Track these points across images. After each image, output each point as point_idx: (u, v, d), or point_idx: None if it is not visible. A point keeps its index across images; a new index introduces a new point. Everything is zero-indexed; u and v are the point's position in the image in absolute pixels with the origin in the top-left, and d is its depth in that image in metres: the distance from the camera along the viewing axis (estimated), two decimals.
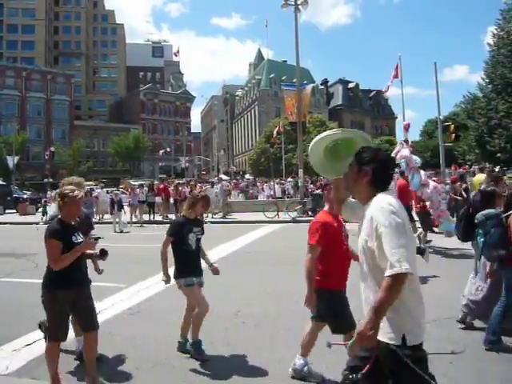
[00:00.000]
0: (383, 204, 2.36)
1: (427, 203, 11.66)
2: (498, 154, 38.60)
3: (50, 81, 77.85)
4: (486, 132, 40.43)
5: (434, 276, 8.27)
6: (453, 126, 24.51)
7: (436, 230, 12.68)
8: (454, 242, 11.52)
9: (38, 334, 5.53)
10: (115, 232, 17.85)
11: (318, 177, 32.56)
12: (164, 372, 4.52)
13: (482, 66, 42.47)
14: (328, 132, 2.89)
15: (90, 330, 4.15)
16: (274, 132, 39.75)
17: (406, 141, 12.72)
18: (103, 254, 4.26)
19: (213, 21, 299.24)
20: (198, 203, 4.98)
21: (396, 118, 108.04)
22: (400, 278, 2.18)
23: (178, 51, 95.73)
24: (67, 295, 4.01)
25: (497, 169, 27.39)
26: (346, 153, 2.75)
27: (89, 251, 4.21)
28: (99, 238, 4.21)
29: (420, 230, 11.63)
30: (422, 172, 11.94)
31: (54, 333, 4.08)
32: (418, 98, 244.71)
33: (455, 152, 48.78)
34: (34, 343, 5.25)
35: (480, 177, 14.88)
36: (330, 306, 4.11)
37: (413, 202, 12.03)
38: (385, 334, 2.33)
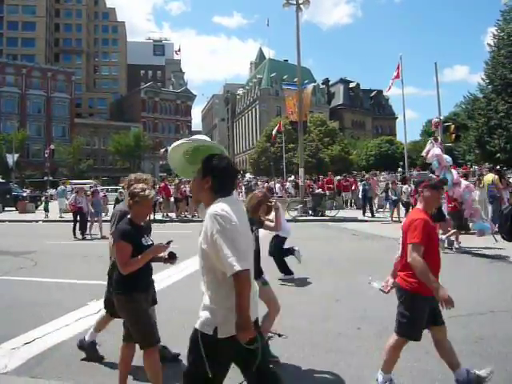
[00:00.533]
0: (217, 210, 2.56)
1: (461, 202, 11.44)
2: (498, 155, 38.66)
3: (51, 78, 77.81)
4: (486, 132, 40.47)
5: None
6: (453, 126, 24.47)
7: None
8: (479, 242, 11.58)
9: (37, 332, 5.54)
10: None
11: (319, 176, 32.54)
12: (165, 371, 4.51)
13: (483, 66, 42.58)
14: (183, 140, 3.05)
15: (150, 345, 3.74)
16: (274, 131, 39.48)
17: (436, 139, 12.55)
18: (172, 257, 3.93)
19: (214, 19, 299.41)
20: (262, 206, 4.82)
21: (396, 118, 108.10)
22: (241, 275, 2.42)
23: (179, 49, 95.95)
24: (141, 297, 3.74)
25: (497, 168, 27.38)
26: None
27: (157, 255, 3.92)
28: (171, 241, 3.87)
29: (452, 231, 11.50)
30: (454, 171, 11.75)
31: (148, 336, 3.66)
32: (419, 98, 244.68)
33: (455, 152, 48.77)
34: (33, 342, 5.23)
35: (489, 176, 14.93)
36: (414, 309, 3.79)
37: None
38: (200, 323, 2.58)
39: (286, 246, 8.97)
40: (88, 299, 6.96)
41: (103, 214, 18.36)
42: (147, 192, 3.79)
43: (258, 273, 4.67)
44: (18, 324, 5.91)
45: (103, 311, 4.90)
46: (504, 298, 6.91)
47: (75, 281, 8.46)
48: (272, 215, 5.20)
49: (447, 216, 11.74)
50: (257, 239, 4.68)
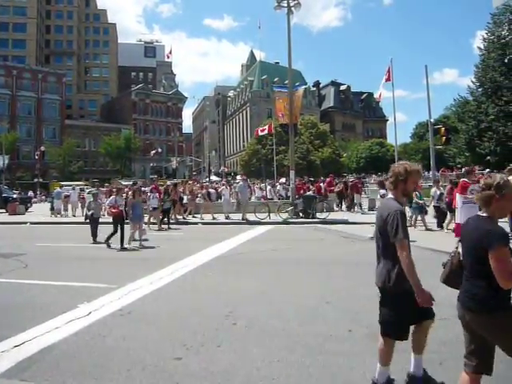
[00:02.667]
0: None
1: None
2: (488, 157, 38.98)
3: (41, 80, 77.51)
4: (476, 135, 40.83)
5: None
6: (443, 128, 24.66)
7: None
8: None
9: (27, 335, 5.49)
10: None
11: (316, 178, 32.57)
12: (155, 374, 4.49)
13: (472, 69, 43.16)
14: None
15: None
16: (260, 131, 38.72)
17: None
18: None
19: (205, 22, 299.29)
20: None
21: (387, 120, 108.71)
22: None
23: (170, 51, 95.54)
24: None
25: (486, 171, 27.57)
26: None
27: None
28: None
29: None
30: None
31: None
32: (408, 101, 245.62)
33: (445, 155, 49.12)
34: (23, 344, 5.19)
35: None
36: None
37: None
38: None
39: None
40: (78, 302, 6.93)
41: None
42: None
43: None
44: (7, 326, 5.86)
45: (381, 339, 3.90)
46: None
47: (65, 283, 8.41)
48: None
49: None
50: None
